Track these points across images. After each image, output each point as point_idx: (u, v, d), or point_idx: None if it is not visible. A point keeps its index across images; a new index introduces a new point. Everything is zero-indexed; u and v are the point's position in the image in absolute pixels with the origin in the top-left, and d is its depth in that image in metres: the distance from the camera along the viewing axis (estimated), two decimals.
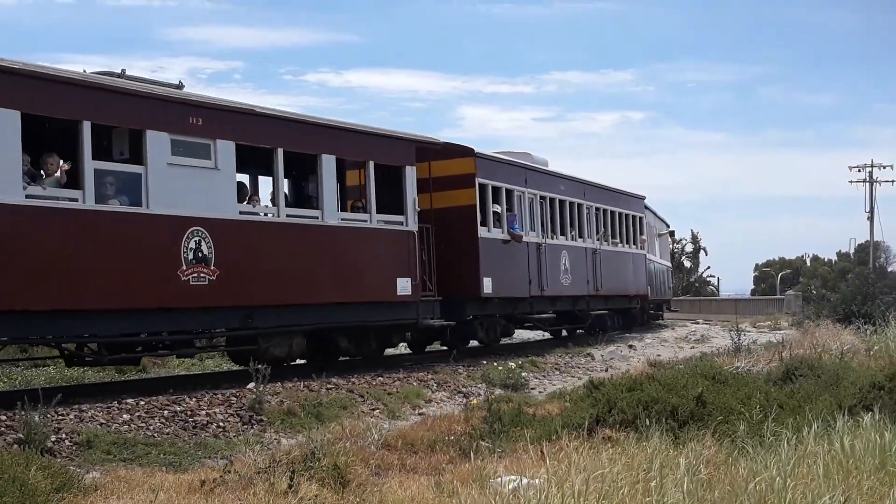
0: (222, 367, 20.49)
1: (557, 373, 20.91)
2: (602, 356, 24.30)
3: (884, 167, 75.88)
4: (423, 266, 20.19)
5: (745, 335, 23.94)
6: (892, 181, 76.22)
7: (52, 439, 10.76)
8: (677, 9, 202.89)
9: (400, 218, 19.66)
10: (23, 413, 10.48)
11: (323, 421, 13.19)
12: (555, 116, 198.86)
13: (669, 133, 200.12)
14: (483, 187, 22.65)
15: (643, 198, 35.29)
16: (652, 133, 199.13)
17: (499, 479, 7.96)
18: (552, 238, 26.02)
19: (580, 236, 28.22)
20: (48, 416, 10.92)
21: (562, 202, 27.01)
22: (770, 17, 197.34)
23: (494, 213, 23.04)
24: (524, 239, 24.19)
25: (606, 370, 21.06)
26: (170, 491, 8.37)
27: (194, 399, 13.70)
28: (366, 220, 18.89)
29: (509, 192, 23.94)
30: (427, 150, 21.06)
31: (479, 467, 8.82)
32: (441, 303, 20.86)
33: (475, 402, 14.38)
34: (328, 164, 17.92)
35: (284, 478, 8.13)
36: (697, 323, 43.12)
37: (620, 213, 32.02)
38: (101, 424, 11.87)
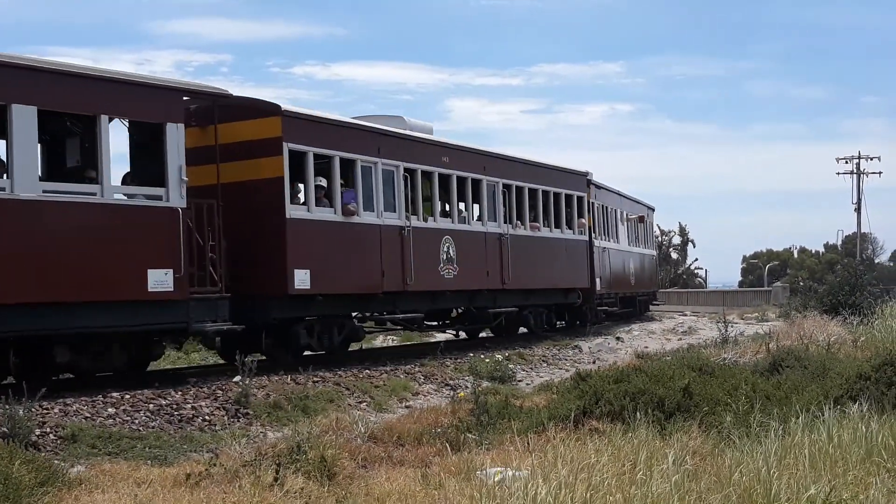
0: (208, 361, 20.43)
1: (545, 365, 20.92)
2: (590, 348, 24.34)
3: (871, 159, 76.11)
4: (198, 254, 15.42)
5: (732, 327, 23.98)
6: (880, 173, 76.58)
7: (37, 433, 10.72)
8: (666, 2, 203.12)
9: (158, 191, 14.96)
10: (7, 407, 10.42)
11: (309, 414, 13.17)
12: (543, 108, 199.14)
13: (658, 125, 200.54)
14: (297, 155, 17.62)
15: (585, 174, 29.94)
16: (640, 125, 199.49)
17: (485, 471, 7.95)
18: (424, 220, 20.98)
19: (478, 219, 23.60)
20: (32, 409, 10.86)
21: (445, 177, 22.10)
22: (759, 11, 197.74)
23: (319, 187, 18.00)
24: (377, 221, 19.31)
25: (594, 362, 21.10)
26: (155, 484, 8.34)
27: (180, 392, 13.65)
28: (95, 194, 14.20)
29: (348, 164, 18.81)
30: (210, 108, 16.55)
31: (465, 459, 8.81)
32: (239, 301, 16.20)
33: (462, 394, 14.37)
34: (23, 116, 13.32)
35: (270, 471, 8.11)
36: (685, 315, 43.16)
37: (548, 192, 26.82)
38: (85, 418, 11.82)
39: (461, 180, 22.87)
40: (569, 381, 14.20)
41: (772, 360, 15.12)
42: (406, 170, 20.41)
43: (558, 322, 29.62)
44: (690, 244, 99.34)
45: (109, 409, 12.34)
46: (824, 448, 8.26)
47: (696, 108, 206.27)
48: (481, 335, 26.28)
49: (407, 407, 14.68)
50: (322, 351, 18.62)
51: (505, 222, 24.27)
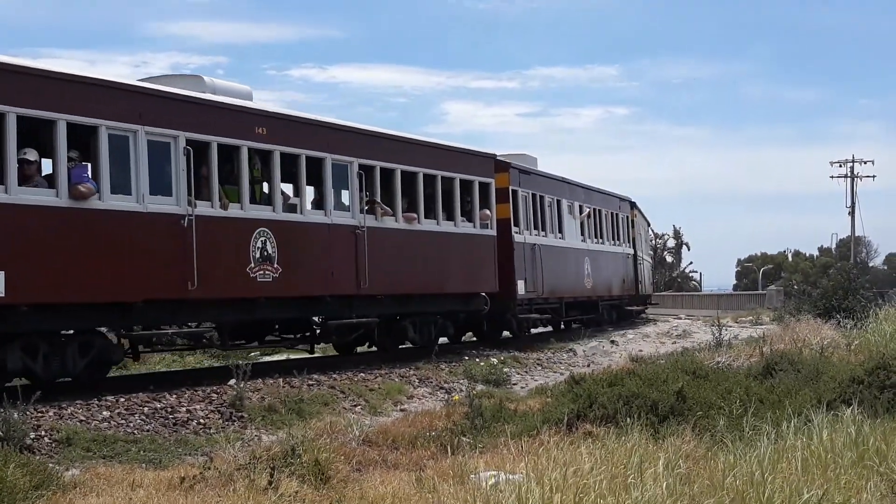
0: (203, 364, 20.44)
1: (539, 368, 20.96)
2: (584, 351, 24.38)
3: (865, 162, 76.39)
4: None
5: (726, 330, 24.02)
6: (874, 176, 77.08)
7: (32, 436, 10.72)
8: (662, 5, 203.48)
9: None
10: (1, 410, 10.42)
11: (304, 417, 13.19)
12: (539, 112, 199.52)
13: (653, 128, 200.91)
14: None
15: (492, 156, 24.31)
16: (635, 128, 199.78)
17: (479, 475, 7.97)
18: (221, 208, 16.12)
19: (319, 207, 18.48)
20: (27, 413, 10.86)
21: (263, 153, 17.17)
22: (753, 14, 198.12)
23: (25, 161, 13.46)
24: (136, 208, 14.71)
25: (588, 365, 21.13)
26: (149, 488, 8.36)
27: (175, 396, 13.66)
28: None
29: (85, 131, 14.29)
30: None
31: (459, 463, 8.83)
32: None
33: (457, 397, 14.39)
34: None
35: (265, 474, 8.12)
36: (680, 318, 43.27)
37: (432, 177, 21.51)
38: (80, 421, 11.83)
39: (289, 158, 17.66)
40: (563, 385, 14.24)
41: (765, 363, 15.14)
42: (191, 142, 15.56)
43: (470, 333, 25.57)
44: (685, 247, 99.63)
45: (104, 413, 12.35)
46: (817, 452, 8.29)
47: (690, 111, 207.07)
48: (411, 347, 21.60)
49: (402, 410, 14.71)
50: (51, 378, 14.06)
51: (362, 212, 19.05)
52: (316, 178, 18.72)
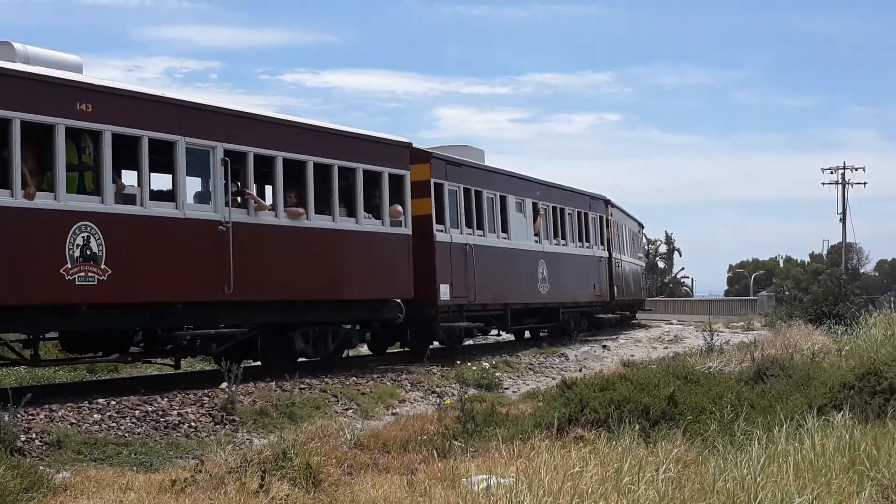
0: (195, 367, 20.40)
1: (531, 373, 20.96)
2: (576, 356, 24.38)
3: (856, 169, 76.65)
4: None
5: (717, 335, 24.04)
6: (865, 183, 77.04)
7: (22, 439, 10.69)
8: (655, 12, 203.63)
9: None
10: None
11: (296, 421, 13.18)
12: (532, 118, 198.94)
13: (645, 135, 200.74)
14: None
15: (406, 145, 21.29)
16: (628, 135, 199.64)
17: (470, 479, 7.97)
18: (26, 198, 13.33)
19: (168, 199, 15.84)
20: (18, 415, 10.84)
21: (94, 135, 14.41)
22: (747, 22, 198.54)
23: None
24: None
25: (580, 370, 21.13)
26: (140, 491, 8.35)
27: (166, 399, 13.64)
28: None
29: None
30: None
31: (451, 466, 8.84)
32: None
33: (448, 401, 14.38)
34: None
35: (256, 477, 8.10)
36: (671, 323, 43.30)
37: (327, 167, 18.62)
38: (71, 424, 11.81)
39: (124, 141, 14.96)
40: (555, 389, 14.24)
41: (756, 368, 15.16)
42: None
43: (392, 345, 23.56)
44: (677, 253, 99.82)
45: (95, 416, 12.33)
46: (808, 457, 8.30)
47: (683, 118, 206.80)
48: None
49: (393, 414, 14.70)
50: None
51: (228, 206, 16.41)
52: (165, 165, 15.94)
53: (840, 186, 76.02)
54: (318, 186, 18.32)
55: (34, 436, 11.03)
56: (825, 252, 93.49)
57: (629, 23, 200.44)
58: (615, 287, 34.95)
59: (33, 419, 11.63)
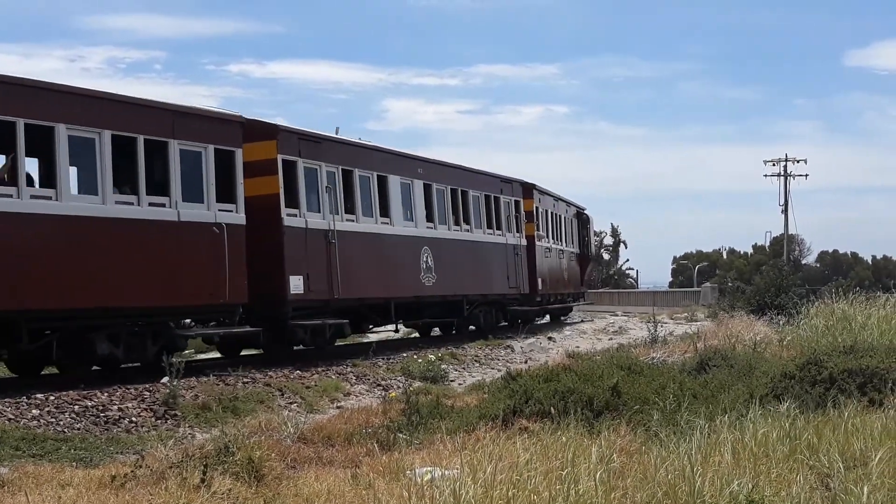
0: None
1: (477, 365, 20.98)
2: (522, 348, 24.46)
3: (798, 161, 77.53)
4: None
5: (661, 327, 24.26)
6: (806, 175, 77.94)
7: None
8: (603, 4, 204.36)
9: None
10: None
11: (239, 415, 13.07)
12: (480, 109, 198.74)
13: (593, 127, 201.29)
14: None
15: (237, 118, 18.06)
16: (576, 127, 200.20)
17: (415, 471, 7.95)
18: None
19: None
20: None
21: None
22: (690, 13, 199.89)
23: None
24: None
25: (526, 362, 21.20)
26: (79, 486, 8.22)
27: (106, 394, 13.46)
28: None
29: None
30: None
31: (395, 459, 8.81)
32: None
33: (394, 394, 14.36)
34: None
35: (197, 472, 8.01)
36: (616, 315, 43.58)
37: (127, 139, 15.57)
38: (9, 420, 11.63)
39: None
40: (500, 381, 14.26)
41: (699, 359, 15.31)
42: None
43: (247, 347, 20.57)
44: (622, 245, 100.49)
45: (34, 411, 12.14)
46: (749, 446, 8.38)
47: (630, 110, 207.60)
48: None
49: (338, 407, 14.64)
50: None
51: None
52: None
53: (782, 178, 76.95)
54: (114, 166, 15.10)
55: None
56: (768, 244, 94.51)
57: (577, 15, 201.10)
58: (539, 279, 31.81)
59: None
